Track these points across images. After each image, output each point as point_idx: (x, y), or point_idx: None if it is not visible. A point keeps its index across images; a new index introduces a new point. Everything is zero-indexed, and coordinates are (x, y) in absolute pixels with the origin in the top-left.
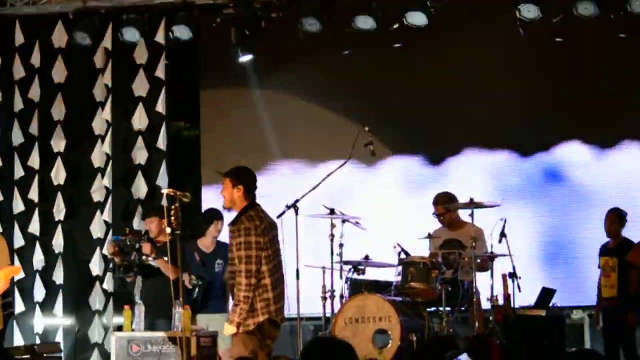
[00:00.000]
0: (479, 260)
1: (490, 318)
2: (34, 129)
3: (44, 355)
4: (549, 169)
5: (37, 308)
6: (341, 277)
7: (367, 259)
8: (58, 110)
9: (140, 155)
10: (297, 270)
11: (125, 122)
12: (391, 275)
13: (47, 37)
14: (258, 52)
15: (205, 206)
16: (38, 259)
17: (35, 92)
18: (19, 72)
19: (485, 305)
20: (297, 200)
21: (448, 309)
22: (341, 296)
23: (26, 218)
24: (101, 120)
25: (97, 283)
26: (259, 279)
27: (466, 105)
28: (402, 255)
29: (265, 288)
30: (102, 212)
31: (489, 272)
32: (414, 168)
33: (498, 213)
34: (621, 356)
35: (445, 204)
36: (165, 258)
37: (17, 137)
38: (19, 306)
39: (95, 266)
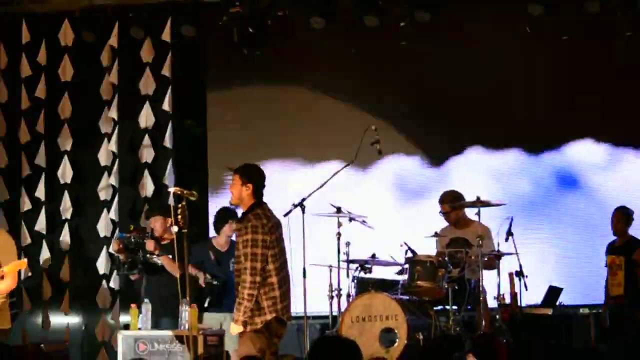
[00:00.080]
0: (485, 259)
1: (497, 317)
2: (40, 127)
3: (51, 353)
4: (557, 168)
5: (44, 306)
6: (348, 275)
7: (374, 257)
8: (65, 109)
9: (146, 153)
10: (304, 269)
11: (131, 121)
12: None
13: (53, 36)
14: (264, 50)
15: (212, 204)
16: (45, 258)
17: (41, 91)
18: (25, 70)
19: (492, 304)
20: (303, 199)
21: (455, 307)
22: (348, 295)
23: (33, 216)
24: (108, 118)
25: (104, 281)
26: (265, 277)
27: (474, 104)
28: (409, 254)
29: (272, 286)
30: (108, 211)
31: (496, 270)
32: (419, 167)
33: (505, 211)
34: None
35: (451, 202)
36: (170, 256)
37: (23, 136)
38: (26, 304)
39: (102, 265)
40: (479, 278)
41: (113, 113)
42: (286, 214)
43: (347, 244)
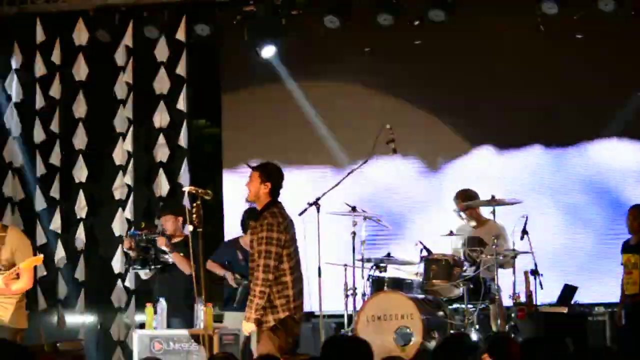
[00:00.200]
0: (501, 257)
1: (512, 315)
2: (55, 126)
3: (67, 352)
4: (575, 167)
5: (59, 306)
6: (363, 274)
7: (389, 256)
8: (79, 108)
9: (161, 153)
10: (319, 268)
11: (146, 120)
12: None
13: (68, 35)
14: (279, 50)
15: (226, 203)
16: (60, 257)
17: (56, 90)
18: (40, 69)
19: (507, 302)
20: (318, 198)
21: (470, 306)
22: (363, 294)
23: (48, 216)
24: (122, 118)
25: (119, 281)
26: (278, 276)
27: (488, 102)
28: (424, 253)
29: (285, 285)
30: (123, 210)
31: (511, 269)
32: (434, 165)
33: (520, 210)
34: None
35: (465, 200)
36: (182, 254)
37: (38, 135)
38: (41, 304)
39: (117, 264)
40: (494, 277)
41: (128, 112)
42: (301, 213)
43: (362, 242)
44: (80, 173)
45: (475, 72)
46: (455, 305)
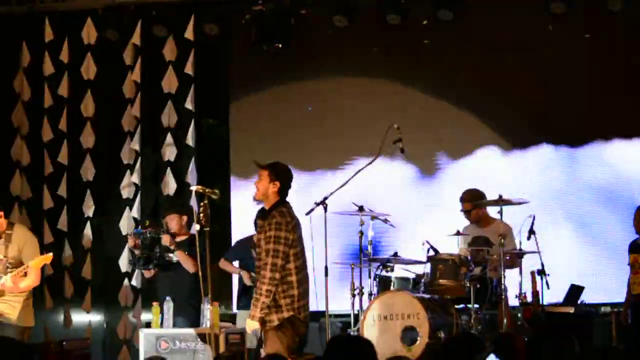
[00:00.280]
0: (507, 257)
1: (519, 315)
2: (63, 125)
3: (73, 351)
4: (580, 165)
5: (66, 304)
6: (369, 274)
7: (396, 256)
8: (87, 107)
9: (169, 152)
10: (326, 267)
11: (154, 119)
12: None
13: (76, 34)
14: (287, 49)
15: (234, 203)
16: (67, 255)
17: (64, 89)
18: (48, 68)
19: (514, 302)
20: (325, 197)
21: (476, 306)
22: (370, 293)
23: (55, 214)
24: (130, 116)
25: (126, 279)
26: (284, 275)
27: (497, 101)
28: (431, 252)
29: (291, 285)
30: (131, 209)
31: (518, 269)
32: (440, 164)
33: (527, 210)
34: None
35: (471, 201)
36: (186, 252)
37: (46, 134)
38: (48, 302)
39: (124, 262)
40: (501, 277)
41: (136, 111)
42: (308, 213)
43: (370, 242)
44: (88, 172)
45: (483, 70)
46: (461, 305)
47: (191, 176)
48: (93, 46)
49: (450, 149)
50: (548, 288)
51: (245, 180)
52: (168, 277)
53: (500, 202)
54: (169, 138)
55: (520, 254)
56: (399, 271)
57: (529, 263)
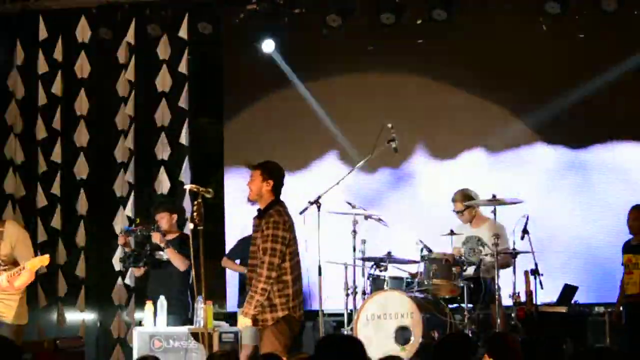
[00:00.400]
0: (500, 257)
1: (512, 315)
2: (57, 123)
3: (67, 349)
4: (575, 165)
5: (59, 303)
6: (363, 273)
7: (390, 255)
8: (81, 105)
9: (163, 150)
10: (319, 267)
11: (148, 118)
12: (414, 271)
13: (70, 32)
14: (281, 49)
15: (228, 202)
16: (60, 254)
17: (58, 87)
18: (42, 66)
19: (507, 302)
20: (319, 196)
21: (470, 305)
22: (363, 292)
23: (49, 213)
24: (124, 115)
25: (120, 278)
26: (280, 274)
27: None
28: (425, 252)
29: (286, 284)
30: (124, 208)
31: (511, 269)
32: (434, 163)
33: (521, 209)
34: None
35: (463, 201)
36: (177, 250)
37: (40, 132)
38: (41, 301)
39: (118, 261)
40: (494, 276)
41: (129, 110)
42: (302, 212)
43: (363, 241)
44: (82, 170)
45: (477, 70)
46: (455, 305)
47: (185, 175)
48: (87, 45)
49: (444, 147)
50: (542, 288)
51: (239, 178)
52: (158, 275)
53: (494, 202)
54: (163, 137)
55: (514, 254)
56: (392, 270)
57: (523, 263)
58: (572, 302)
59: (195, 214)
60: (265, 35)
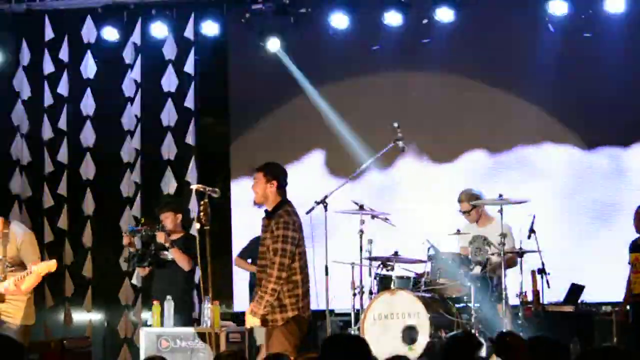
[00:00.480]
0: (507, 257)
1: (519, 314)
2: (63, 124)
3: (74, 349)
4: (582, 164)
5: (66, 303)
6: (370, 273)
7: (397, 255)
8: (87, 106)
9: (169, 150)
10: (326, 266)
11: (154, 118)
12: (420, 271)
13: (76, 32)
14: (287, 48)
15: (234, 202)
16: (67, 254)
17: (64, 87)
18: (48, 67)
19: (514, 301)
20: (326, 196)
21: (477, 305)
22: (370, 292)
23: (56, 213)
24: (130, 115)
25: (127, 278)
26: (289, 275)
27: (494, 103)
28: (432, 251)
29: (296, 284)
30: (131, 208)
31: (518, 268)
32: (441, 162)
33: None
34: None
35: (469, 201)
36: (182, 250)
37: (46, 132)
38: (48, 301)
39: (124, 261)
40: (501, 275)
41: (136, 110)
42: (309, 212)
43: (370, 241)
44: (88, 170)
45: (484, 69)
46: (462, 304)
47: (191, 175)
48: (93, 45)
49: (450, 147)
50: (549, 287)
51: (246, 178)
52: (163, 275)
53: (500, 201)
54: (169, 137)
55: (521, 253)
56: (399, 270)
57: (530, 262)
58: (579, 301)
59: (202, 213)
60: (271, 35)
